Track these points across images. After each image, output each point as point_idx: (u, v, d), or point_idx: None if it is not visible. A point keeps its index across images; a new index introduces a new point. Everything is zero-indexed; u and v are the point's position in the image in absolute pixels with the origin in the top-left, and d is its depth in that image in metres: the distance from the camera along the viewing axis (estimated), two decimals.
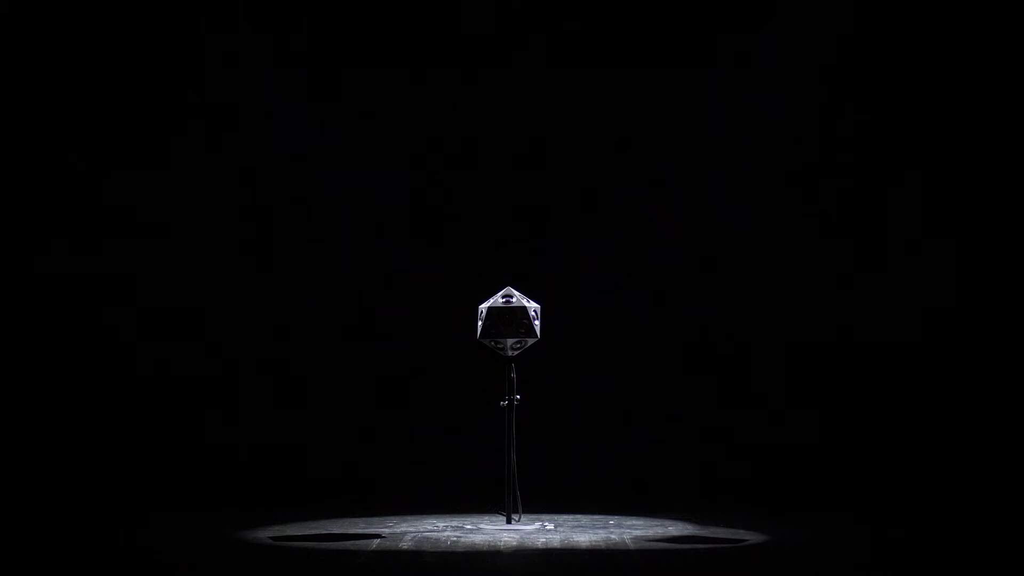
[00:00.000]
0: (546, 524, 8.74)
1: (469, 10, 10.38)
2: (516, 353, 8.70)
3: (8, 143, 10.22)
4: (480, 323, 8.66)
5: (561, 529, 8.59)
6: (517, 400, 8.70)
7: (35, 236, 10.25)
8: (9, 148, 10.24)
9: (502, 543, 8.00)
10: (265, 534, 8.38)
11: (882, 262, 10.31)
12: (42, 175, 10.22)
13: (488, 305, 8.67)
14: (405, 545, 7.95)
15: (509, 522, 8.70)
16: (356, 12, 10.46)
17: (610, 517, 9.12)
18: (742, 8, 10.33)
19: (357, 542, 8.08)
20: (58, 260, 10.27)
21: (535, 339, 8.67)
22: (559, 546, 7.92)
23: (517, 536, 8.27)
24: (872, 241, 10.34)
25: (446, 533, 8.40)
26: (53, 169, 10.23)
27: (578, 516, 9.18)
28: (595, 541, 8.10)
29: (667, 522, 8.91)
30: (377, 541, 8.10)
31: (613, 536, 8.30)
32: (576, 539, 8.18)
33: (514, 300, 8.67)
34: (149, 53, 10.30)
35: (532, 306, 8.67)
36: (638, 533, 8.42)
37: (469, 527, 8.64)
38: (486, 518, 8.97)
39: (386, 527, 8.65)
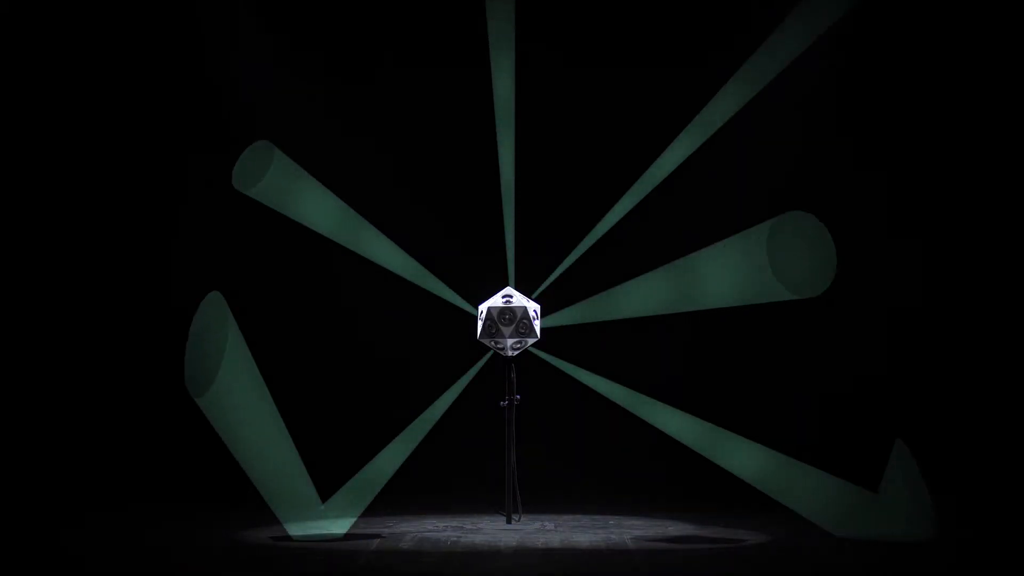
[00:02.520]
0: (546, 524, 8.74)
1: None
2: (516, 353, 8.71)
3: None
4: (480, 323, 8.67)
5: (561, 529, 8.59)
6: (517, 400, 8.71)
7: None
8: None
9: (502, 543, 8.00)
10: (265, 534, 8.38)
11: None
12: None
13: (488, 305, 8.68)
14: (405, 545, 7.95)
15: (509, 522, 8.71)
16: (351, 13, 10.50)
17: (610, 517, 9.13)
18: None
19: (357, 542, 8.08)
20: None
21: (535, 339, 8.68)
22: (559, 546, 7.92)
23: (517, 536, 8.27)
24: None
25: (446, 533, 8.40)
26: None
27: (578, 516, 9.18)
28: (595, 541, 8.10)
29: (667, 522, 8.91)
30: (377, 541, 8.10)
31: (613, 536, 8.31)
32: (576, 539, 8.18)
33: (514, 300, 8.68)
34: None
35: (532, 306, 8.68)
36: (638, 533, 8.43)
37: (469, 527, 8.64)
38: (486, 518, 8.97)
39: (386, 527, 8.66)
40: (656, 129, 10.43)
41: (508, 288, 8.77)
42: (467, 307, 10.14)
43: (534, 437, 9.50)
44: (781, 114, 10.21)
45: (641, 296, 10.50)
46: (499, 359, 8.82)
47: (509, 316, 8.64)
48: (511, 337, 8.64)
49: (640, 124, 10.48)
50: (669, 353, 10.53)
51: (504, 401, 8.71)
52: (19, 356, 10.27)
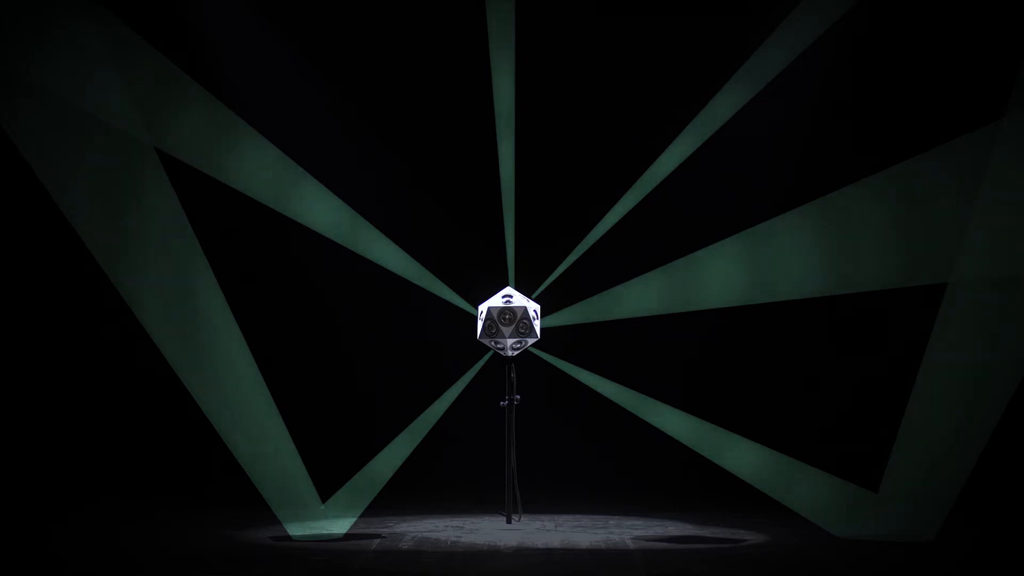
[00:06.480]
0: (546, 525, 8.75)
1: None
2: (516, 353, 8.71)
3: None
4: (480, 323, 8.67)
5: (561, 529, 8.59)
6: (517, 400, 8.71)
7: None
8: None
9: (502, 543, 8.00)
10: (265, 534, 8.39)
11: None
12: None
13: (488, 305, 8.68)
14: (405, 545, 7.95)
15: (509, 522, 8.71)
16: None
17: (610, 517, 9.13)
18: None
19: (357, 542, 8.08)
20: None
21: (535, 339, 8.68)
22: (559, 546, 7.92)
23: (517, 536, 8.27)
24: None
25: (446, 533, 8.40)
26: None
27: (578, 516, 9.18)
28: (595, 541, 8.10)
29: (667, 522, 8.91)
30: (377, 541, 8.10)
31: (613, 536, 8.31)
32: (576, 539, 8.18)
33: (514, 300, 8.68)
34: None
35: (532, 306, 8.68)
36: (638, 533, 8.43)
37: (469, 527, 8.64)
38: (486, 518, 8.98)
39: (386, 527, 8.66)
40: (657, 126, 10.44)
41: (508, 288, 8.78)
42: (467, 307, 10.15)
43: (534, 437, 9.50)
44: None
45: (641, 296, 10.51)
46: (499, 359, 8.82)
47: (509, 316, 8.64)
48: (511, 337, 8.64)
49: (640, 122, 10.48)
50: (669, 353, 10.53)
51: (504, 401, 8.71)
52: (16, 355, 10.28)
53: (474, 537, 8.24)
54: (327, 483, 9.87)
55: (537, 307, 8.73)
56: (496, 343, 8.68)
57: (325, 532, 8.49)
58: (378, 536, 8.29)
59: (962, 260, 9.90)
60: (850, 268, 10.25)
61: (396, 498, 9.74)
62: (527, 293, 8.97)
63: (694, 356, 10.51)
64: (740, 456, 10.19)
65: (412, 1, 10.49)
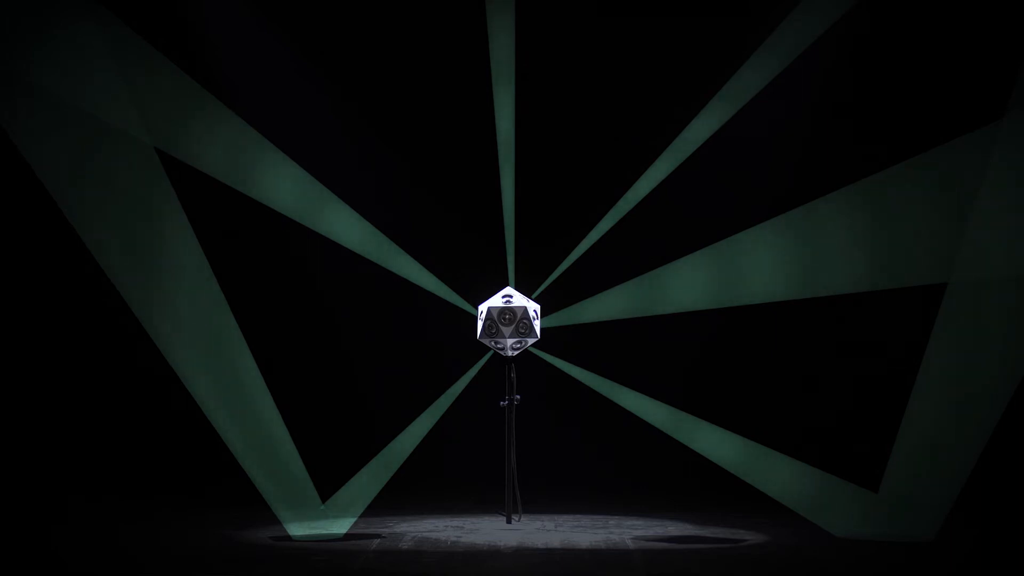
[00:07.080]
0: (546, 525, 8.74)
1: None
2: (516, 353, 8.71)
3: None
4: (480, 323, 8.67)
5: (561, 529, 8.59)
6: (517, 400, 8.71)
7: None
8: None
9: (502, 543, 8.00)
10: (265, 534, 8.39)
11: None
12: None
13: (488, 305, 8.68)
14: (405, 545, 7.95)
15: (509, 522, 8.70)
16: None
17: (610, 517, 9.13)
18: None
19: (357, 542, 8.08)
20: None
21: (535, 339, 8.67)
22: (559, 546, 7.92)
23: (517, 536, 8.27)
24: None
25: (446, 533, 8.40)
26: None
27: (578, 516, 9.18)
28: (595, 541, 8.10)
29: (667, 522, 8.91)
30: (377, 541, 8.10)
31: (613, 536, 8.31)
32: (576, 539, 8.18)
33: (514, 300, 8.67)
34: None
35: (532, 306, 8.68)
36: (638, 533, 8.43)
37: (469, 527, 8.64)
38: (486, 518, 8.97)
39: (386, 527, 8.66)
40: (656, 126, 10.43)
41: (508, 288, 8.77)
42: (467, 307, 10.15)
43: (534, 437, 9.50)
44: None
45: (641, 296, 10.51)
46: (499, 359, 8.82)
47: (509, 316, 8.64)
48: (511, 337, 8.64)
49: (640, 122, 10.47)
50: (669, 352, 10.53)
51: (504, 401, 8.71)
52: (16, 355, 10.27)
53: (474, 537, 8.24)
54: (327, 483, 9.87)
55: (537, 307, 8.72)
56: (496, 343, 8.68)
57: (325, 532, 8.49)
58: (378, 536, 8.29)
59: (962, 260, 9.90)
60: (850, 268, 10.25)
61: (396, 498, 9.74)
62: (527, 293, 8.96)
63: (694, 356, 10.51)
64: (741, 456, 10.19)
65: (412, 1, 10.49)
